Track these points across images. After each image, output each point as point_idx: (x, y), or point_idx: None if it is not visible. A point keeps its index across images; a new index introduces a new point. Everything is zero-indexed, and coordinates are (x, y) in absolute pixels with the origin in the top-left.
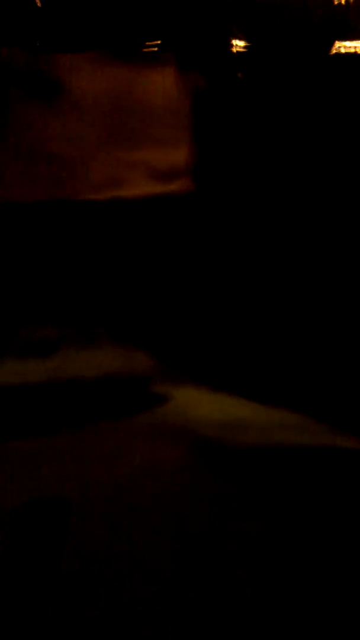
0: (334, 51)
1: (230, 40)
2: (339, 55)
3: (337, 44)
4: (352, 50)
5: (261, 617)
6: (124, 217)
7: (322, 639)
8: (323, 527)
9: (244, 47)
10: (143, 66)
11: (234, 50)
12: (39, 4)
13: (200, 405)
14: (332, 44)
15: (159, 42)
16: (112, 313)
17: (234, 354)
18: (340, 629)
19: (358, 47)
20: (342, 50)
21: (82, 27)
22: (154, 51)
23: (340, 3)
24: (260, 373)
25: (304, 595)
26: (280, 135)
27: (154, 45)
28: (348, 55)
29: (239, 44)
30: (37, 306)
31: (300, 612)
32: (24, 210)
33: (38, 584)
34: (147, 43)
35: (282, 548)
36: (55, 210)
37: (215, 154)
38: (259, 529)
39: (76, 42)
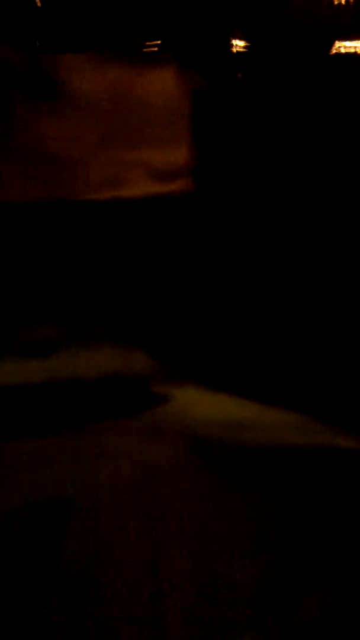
0: (334, 51)
1: (230, 40)
2: (339, 55)
3: (337, 44)
4: (352, 50)
5: (257, 617)
6: (124, 217)
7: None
8: (323, 525)
9: (244, 47)
10: (143, 66)
11: (234, 50)
12: (39, 4)
13: (200, 405)
14: (332, 44)
15: (159, 42)
16: (112, 313)
17: (234, 355)
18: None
19: (358, 47)
20: (342, 50)
21: (82, 27)
22: (154, 51)
23: (340, 3)
24: (261, 373)
25: (303, 593)
26: (280, 134)
27: (154, 45)
28: (348, 55)
29: (239, 44)
30: (37, 306)
31: (298, 609)
32: (24, 210)
33: (38, 584)
34: (147, 43)
35: (282, 546)
36: (56, 210)
37: (215, 154)
38: (259, 528)
39: (76, 42)
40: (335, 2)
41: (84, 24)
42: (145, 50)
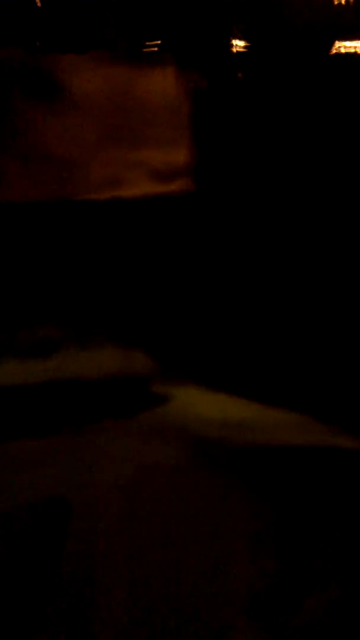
0: (334, 51)
1: (230, 40)
2: (339, 55)
3: (337, 44)
4: (352, 50)
5: (258, 617)
6: (124, 217)
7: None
8: (323, 525)
9: (244, 47)
10: (143, 66)
11: (234, 50)
12: (39, 4)
13: (200, 405)
14: (332, 44)
15: (159, 42)
16: (112, 313)
17: (234, 354)
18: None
19: (358, 47)
20: (342, 50)
21: (82, 27)
22: (154, 51)
23: (340, 3)
24: (261, 373)
25: (303, 593)
26: (280, 135)
27: (154, 45)
28: (348, 55)
29: (239, 44)
30: (37, 306)
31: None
32: (24, 210)
33: (38, 584)
34: (147, 43)
35: (283, 546)
36: (55, 210)
37: (215, 154)
38: (260, 528)
39: (76, 42)
40: (335, 2)
41: (84, 24)
42: (145, 50)
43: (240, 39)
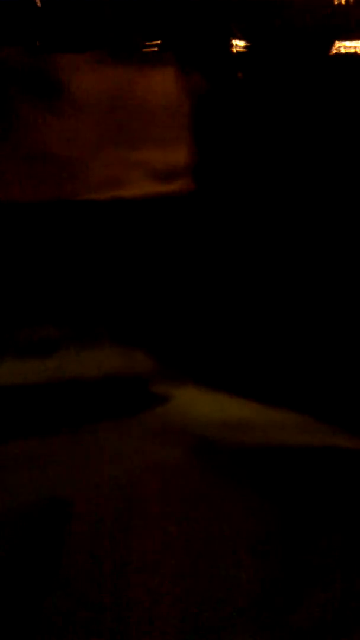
0: (334, 51)
1: (230, 40)
2: (339, 55)
3: (337, 44)
4: (352, 50)
5: (258, 616)
6: (124, 217)
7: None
8: (323, 525)
9: (244, 47)
10: (143, 66)
11: (234, 50)
12: (39, 4)
13: (200, 405)
14: (332, 44)
15: (159, 42)
16: (112, 313)
17: (234, 354)
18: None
19: (358, 47)
20: (342, 50)
21: (82, 27)
22: (154, 51)
23: (340, 3)
24: (261, 373)
25: (303, 593)
26: (280, 134)
27: (154, 45)
28: (348, 55)
29: (239, 44)
30: (37, 306)
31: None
32: (24, 210)
33: (38, 583)
34: (147, 43)
35: (282, 546)
36: (56, 210)
37: (215, 154)
38: (259, 528)
39: (76, 42)
40: (335, 2)
41: (84, 24)
42: (145, 50)
43: (240, 39)
